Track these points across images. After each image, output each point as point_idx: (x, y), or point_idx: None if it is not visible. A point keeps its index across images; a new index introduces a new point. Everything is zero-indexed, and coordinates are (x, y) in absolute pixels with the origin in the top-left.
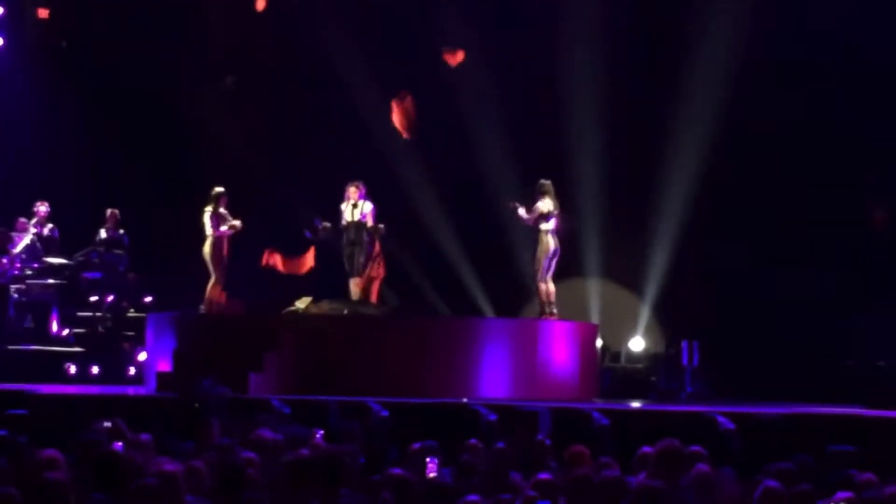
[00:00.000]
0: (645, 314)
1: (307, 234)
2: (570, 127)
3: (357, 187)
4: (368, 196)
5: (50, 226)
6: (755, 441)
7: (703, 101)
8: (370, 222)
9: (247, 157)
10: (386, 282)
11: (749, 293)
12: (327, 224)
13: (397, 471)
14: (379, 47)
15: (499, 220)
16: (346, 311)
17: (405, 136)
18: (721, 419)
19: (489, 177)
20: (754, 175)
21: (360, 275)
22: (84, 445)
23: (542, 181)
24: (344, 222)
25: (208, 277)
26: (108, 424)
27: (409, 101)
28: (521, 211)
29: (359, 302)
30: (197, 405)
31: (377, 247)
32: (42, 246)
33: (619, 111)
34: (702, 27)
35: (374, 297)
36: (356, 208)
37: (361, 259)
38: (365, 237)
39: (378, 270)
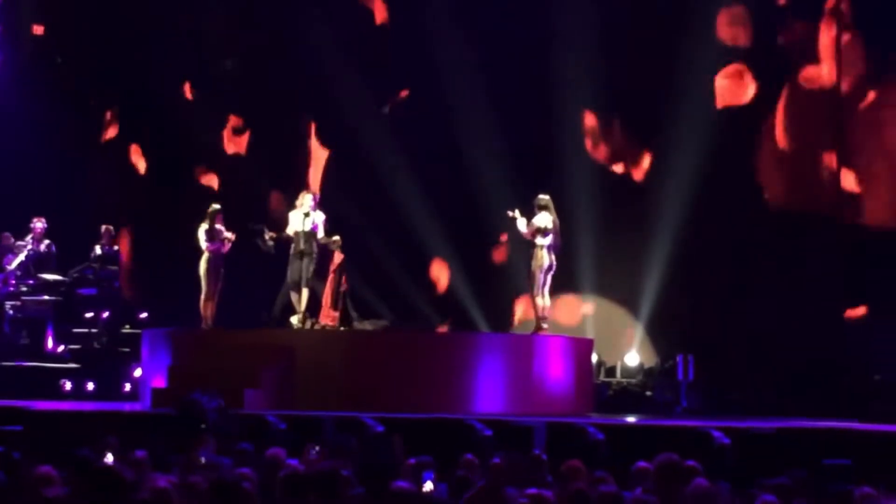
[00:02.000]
0: (640, 329)
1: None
2: (565, 143)
3: (313, 195)
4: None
5: (46, 242)
6: (751, 456)
7: (700, 114)
8: (321, 233)
9: (243, 172)
10: (352, 295)
11: (744, 306)
12: (272, 234)
13: (397, 484)
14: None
15: (493, 232)
16: (341, 327)
17: None
18: (716, 434)
19: (484, 190)
20: (750, 187)
21: (307, 286)
22: (79, 461)
23: (541, 196)
24: (291, 231)
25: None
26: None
27: None
28: (520, 222)
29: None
30: (204, 426)
31: (338, 259)
32: (39, 262)
33: (615, 126)
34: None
35: (339, 312)
36: (308, 217)
37: (311, 270)
38: (315, 248)
39: (343, 284)
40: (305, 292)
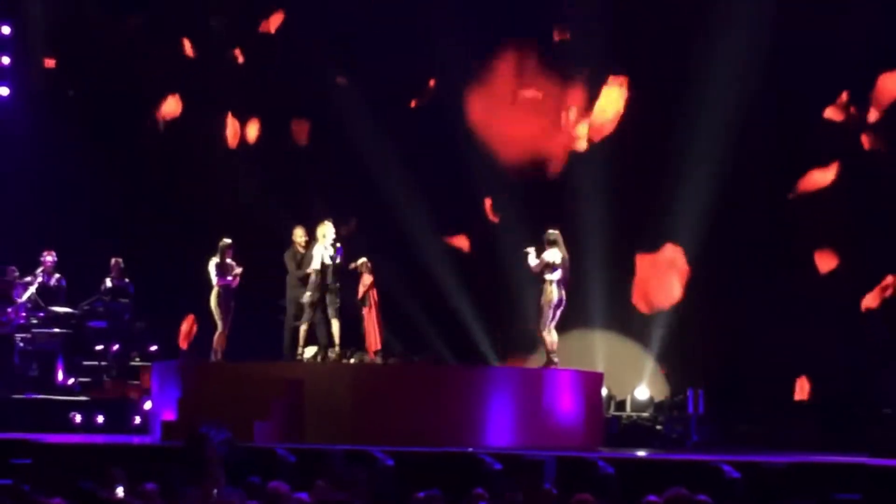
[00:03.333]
0: (650, 363)
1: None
2: (575, 179)
3: (332, 226)
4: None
5: (57, 275)
6: (761, 490)
7: (709, 147)
8: (351, 262)
9: (255, 206)
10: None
11: (754, 341)
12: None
13: None
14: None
15: (504, 268)
16: (352, 360)
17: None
18: (727, 468)
19: (496, 227)
20: (758, 223)
21: (337, 316)
22: (82, 494)
23: (550, 231)
24: (317, 264)
25: (215, 328)
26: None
27: None
28: (531, 257)
29: (364, 351)
30: (211, 459)
31: (367, 281)
32: (49, 295)
33: (623, 161)
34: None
35: (379, 332)
36: (328, 251)
37: (338, 301)
38: (336, 282)
39: (375, 314)
40: (336, 323)
